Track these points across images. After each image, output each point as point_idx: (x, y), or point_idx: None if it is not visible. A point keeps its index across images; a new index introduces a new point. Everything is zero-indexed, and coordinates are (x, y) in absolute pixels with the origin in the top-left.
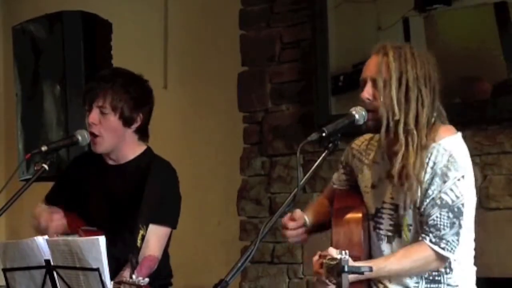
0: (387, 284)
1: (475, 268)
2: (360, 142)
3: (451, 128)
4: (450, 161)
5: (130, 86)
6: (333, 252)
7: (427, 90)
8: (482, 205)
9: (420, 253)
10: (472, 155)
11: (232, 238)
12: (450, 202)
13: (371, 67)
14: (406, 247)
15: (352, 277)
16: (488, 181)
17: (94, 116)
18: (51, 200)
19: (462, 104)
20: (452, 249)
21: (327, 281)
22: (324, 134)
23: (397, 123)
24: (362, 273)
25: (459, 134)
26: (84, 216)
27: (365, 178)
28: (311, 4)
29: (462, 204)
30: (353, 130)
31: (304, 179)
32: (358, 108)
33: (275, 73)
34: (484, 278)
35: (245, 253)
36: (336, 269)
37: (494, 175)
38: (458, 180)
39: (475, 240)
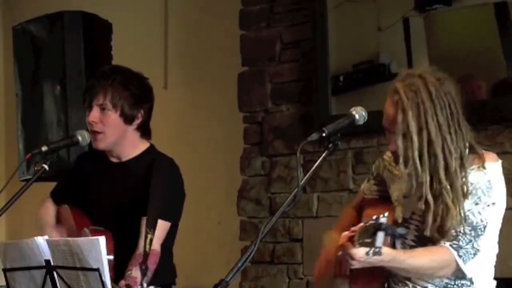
0: (408, 283)
1: (494, 283)
2: (390, 153)
3: (493, 155)
4: (487, 186)
5: (130, 83)
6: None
7: (452, 132)
8: None
9: (440, 255)
10: None
11: (232, 238)
12: (474, 222)
13: (390, 120)
14: (428, 247)
15: (376, 260)
16: None
17: (94, 114)
18: (57, 198)
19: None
20: (466, 260)
21: (354, 250)
22: (324, 134)
23: (421, 183)
24: (399, 235)
25: (500, 162)
26: (88, 214)
27: (396, 188)
28: (311, 4)
29: (484, 228)
30: (353, 130)
31: (304, 179)
32: (358, 108)
33: (275, 73)
34: None
35: (245, 253)
36: (372, 228)
37: None
38: (488, 206)
39: None
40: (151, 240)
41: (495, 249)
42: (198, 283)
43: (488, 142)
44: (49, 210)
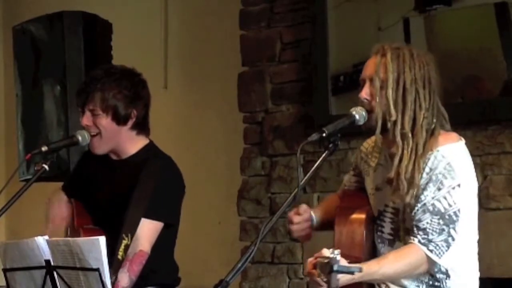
0: (390, 285)
1: (477, 274)
2: (367, 144)
3: (453, 135)
4: (447, 169)
5: (121, 84)
6: (326, 252)
7: (426, 92)
8: (482, 205)
9: (412, 256)
10: (472, 156)
11: (232, 238)
12: (442, 209)
13: (369, 67)
14: (397, 250)
15: (346, 279)
16: (488, 181)
17: (87, 119)
18: (66, 192)
19: (462, 104)
20: (439, 253)
21: (319, 280)
22: (324, 135)
23: (394, 124)
24: (352, 273)
25: (461, 142)
26: (91, 211)
27: (371, 180)
28: (311, 4)
29: (455, 213)
30: (353, 130)
31: (304, 179)
32: (358, 108)
33: (275, 73)
34: (484, 278)
35: (245, 253)
36: (327, 268)
37: (495, 175)
38: (453, 188)
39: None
40: (126, 245)
41: (475, 237)
42: (198, 283)
43: (488, 142)
44: (62, 195)
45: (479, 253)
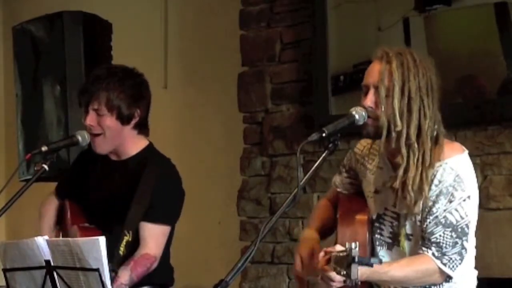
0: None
1: (475, 273)
2: (362, 146)
3: (457, 146)
4: (457, 181)
5: (124, 84)
6: (340, 247)
7: (429, 100)
8: (482, 205)
9: (423, 265)
10: (472, 156)
11: (232, 238)
12: (454, 222)
13: (374, 74)
14: (409, 257)
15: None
16: (488, 181)
17: (91, 118)
18: (60, 192)
19: (462, 104)
20: (453, 267)
21: (333, 274)
22: (324, 134)
23: (399, 134)
24: (371, 265)
25: (466, 152)
26: (87, 210)
27: (369, 183)
28: (311, 4)
29: (467, 225)
30: (353, 130)
31: (304, 179)
32: (358, 108)
33: (275, 73)
34: (484, 278)
35: (245, 253)
36: (345, 260)
37: (494, 175)
38: (464, 200)
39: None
40: (127, 242)
41: (474, 241)
42: (198, 283)
43: (488, 142)
44: (51, 203)
45: (479, 253)
